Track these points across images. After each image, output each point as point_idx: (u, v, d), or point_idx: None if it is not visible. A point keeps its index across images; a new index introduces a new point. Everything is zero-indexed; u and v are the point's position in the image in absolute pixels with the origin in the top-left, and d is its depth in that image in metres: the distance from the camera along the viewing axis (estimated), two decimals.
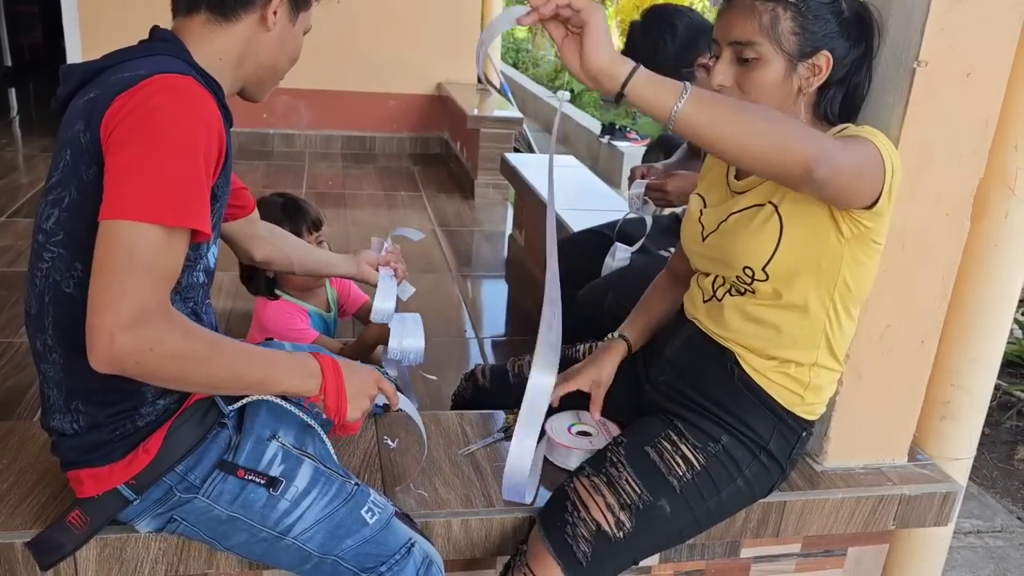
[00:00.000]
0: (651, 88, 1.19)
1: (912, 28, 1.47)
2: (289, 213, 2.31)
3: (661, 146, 2.84)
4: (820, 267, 1.44)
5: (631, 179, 2.44)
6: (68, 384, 1.28)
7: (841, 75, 1.43)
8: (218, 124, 1.20)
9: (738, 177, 1.56)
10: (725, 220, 1.52)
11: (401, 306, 1.92)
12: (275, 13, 1.33)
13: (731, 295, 1.54)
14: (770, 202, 1.45)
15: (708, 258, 1.58)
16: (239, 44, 1.34)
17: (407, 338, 1.82)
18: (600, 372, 1.70)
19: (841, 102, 1.47)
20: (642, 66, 1.19)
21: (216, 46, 1.32)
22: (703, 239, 1.57)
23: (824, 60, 1.40)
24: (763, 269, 1.46)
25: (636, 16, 2.34)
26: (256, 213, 1.76)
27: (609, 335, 1.76)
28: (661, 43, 2.14)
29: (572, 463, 1.64)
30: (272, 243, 1.82)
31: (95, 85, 1.21)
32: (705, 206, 1.61)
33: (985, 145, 1.58)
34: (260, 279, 2.31)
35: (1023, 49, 1.55)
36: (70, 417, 1.29)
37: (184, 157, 1.13)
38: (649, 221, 2.38)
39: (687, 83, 1.19)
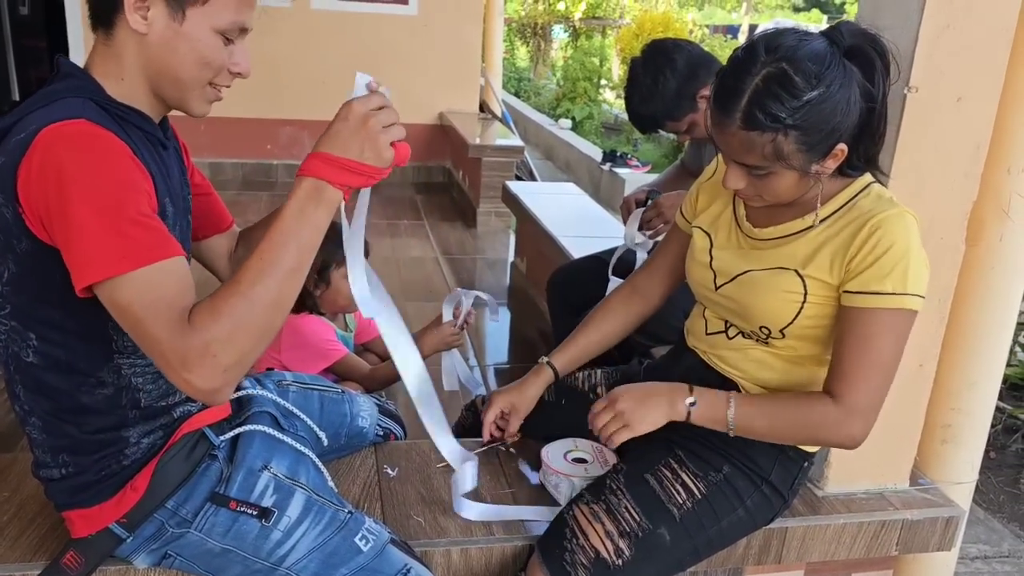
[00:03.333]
0: (707, 418, 1.45)
1: (902, 55, 1.48)
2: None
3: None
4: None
5: (623, 209, 2.45)
6: (52, 444, 1.29)
7: (856, 136, 1.33)
8: (128, 154, 1.13)
9: (754, 223, 1.49)
10: (744, 274, 1.47)
11: None
12: (143, 15, 1.17)
13: (744, 337, 1.52)
14: (796, 271, 1.40)
15: (721, 306, 1.54)
16: (131, 57, 1.21)
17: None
18: (521, 397, 1.72)
19: (862, 149, 1.36)
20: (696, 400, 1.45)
21: (113, 65, 1.22)
22: (716, 287, 1.52)
23: (839, 151, 1.31)
24: (781, 331, 1.44)
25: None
26: (235, 230, 1.61)
27: (540, 359, 1.77)
28: (661, 78, 2.16)
29: (564, 490, 1.64)
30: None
31: (2, 150, 1.14)
32: (713, 246, 1.55)
33: (977, 169, 1.59)
34: (306, 299, 2.32)
35: (1013, 73, 1.57)
36: (58, 467, 1.30)
37: (112, 199, 1.08)
38: (643, 256, 2.39)
39: (729, 415, 1.42)
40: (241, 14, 1.22)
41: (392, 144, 1.15)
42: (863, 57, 1.29)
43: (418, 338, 2.11)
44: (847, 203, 1.39)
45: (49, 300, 1.15)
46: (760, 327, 1.46)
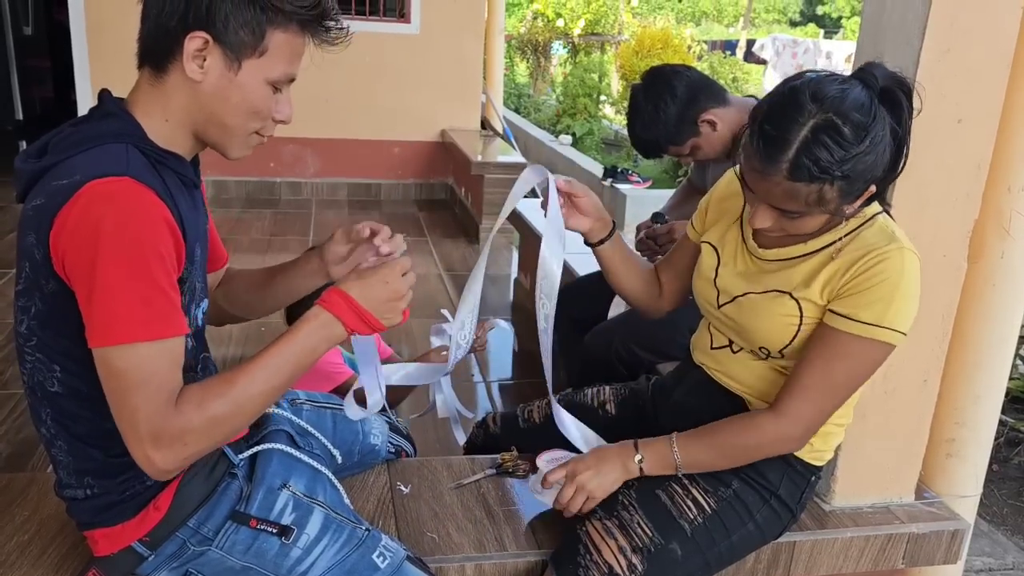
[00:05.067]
0: (656, 466, 1.53)
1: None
2: None
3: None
4: None
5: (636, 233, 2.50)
6: (77, 467, 1.31)
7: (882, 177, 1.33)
8: (164, 217, 1.15)
9: (760, 243, 1.50)
10: (743, 296, 1.50)
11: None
12: (200, 64, 1.19)
13: (746, 352, 1.55)
14: (791, 295, 1.43)
15: (724, 324, 1.57)
16: (180, 101, 1.23)
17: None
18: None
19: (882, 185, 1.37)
20: (640, 460, 1.53)
21: (158, 107, 1.23)
22: (718, 306, 1.55)
23: (869, 192, 1.33)
24: (780, 351, 1.47)
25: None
26: (227, 268, 1.62)
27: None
28: (662, 104, 2.20)
29: (548, 498, 1.61)
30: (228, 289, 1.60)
31: (40, 189, 1.16)
32: (719, 263, 1.57)
33: (979, 188, 1.63)
34: None
35: (1012, 94, 1.60)
36: (82, 488, 1.32)
37: (141, 268, 1.10)
38: None
39: (675, 456, 1.50)
40: (292, 66, 1.26)
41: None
42: (893, 100, 1.29)
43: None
44: (851, 232, 1.41)
45: (72, 337, 1.17)
46: (759, 347, 1.49)
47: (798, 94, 1.27)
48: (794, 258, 1.46)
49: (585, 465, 1.52)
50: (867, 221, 1.42)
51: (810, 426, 1.43)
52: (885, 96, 1.28)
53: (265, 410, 1.24)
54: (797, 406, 1.41)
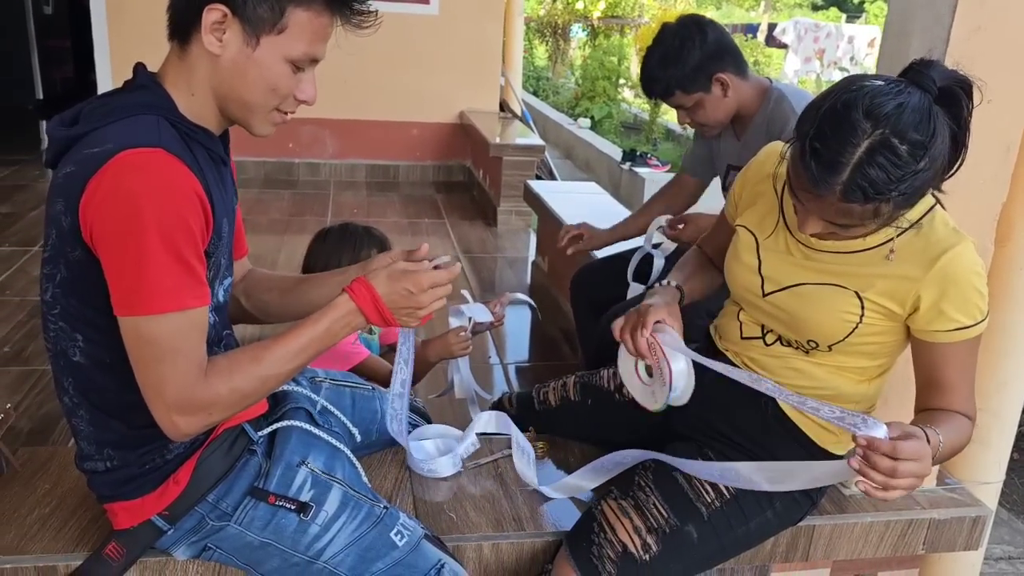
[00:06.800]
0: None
1: (933, 57, 1.49)
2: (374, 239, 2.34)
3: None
4: (889, 351, 1.46)
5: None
6: (98, 437, 1.32)
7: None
8: (194, 189, 1.16)
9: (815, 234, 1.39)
10: (798, 286, 1.45)
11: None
12: (218, 37, 1.19)
13: (782, 345, 1.52)
14: (857, 293, 1.39)
15: (766, 314, 1.52)
16: (202, 75, 1.23)
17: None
18: (668, 307, 1.51)
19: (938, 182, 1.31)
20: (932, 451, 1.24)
21: (184, 80, 1.24)
22: (764, 294, 1.49)
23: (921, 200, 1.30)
24: (829, 346, 1.44)
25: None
26: (244, 262, 1.60)
27: (658, 283, 1.63)
28: (689, 44, 2.11)
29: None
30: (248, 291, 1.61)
31: (71, 157, 1.18)
32: (759, 247, 1.51)
33: (1007, 170, 1.60)
34: None
35: None
36: (103, 460, 1.33)
37: (170, 240, 1.12)
38: (659, 263, 2.39)
39: (939, 442, 1.26)
40: (314, 46, 1.25)
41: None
42: (952, 99, 1.23)
43: (425, 345, 2.12)
44: (910, 227, 1.35)
45: (96, 306, 1.19)
46: (808, 340, 1.46)
47: (851, 111, 1.19)
48: (851, 252, 1.41)
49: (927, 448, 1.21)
50: (926, 214, 1.36)
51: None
52: (943, 96, 1.22)
53: (281, 384, 1.28)
54: (973, 409, 1.42)
